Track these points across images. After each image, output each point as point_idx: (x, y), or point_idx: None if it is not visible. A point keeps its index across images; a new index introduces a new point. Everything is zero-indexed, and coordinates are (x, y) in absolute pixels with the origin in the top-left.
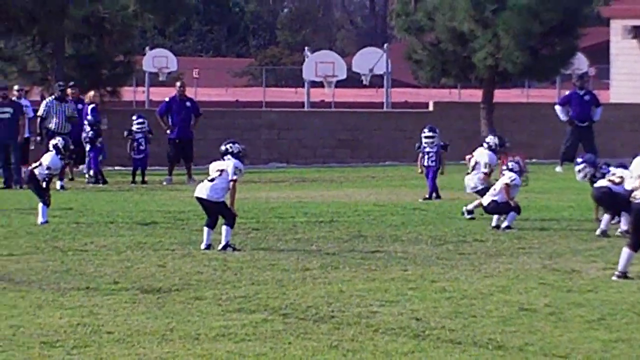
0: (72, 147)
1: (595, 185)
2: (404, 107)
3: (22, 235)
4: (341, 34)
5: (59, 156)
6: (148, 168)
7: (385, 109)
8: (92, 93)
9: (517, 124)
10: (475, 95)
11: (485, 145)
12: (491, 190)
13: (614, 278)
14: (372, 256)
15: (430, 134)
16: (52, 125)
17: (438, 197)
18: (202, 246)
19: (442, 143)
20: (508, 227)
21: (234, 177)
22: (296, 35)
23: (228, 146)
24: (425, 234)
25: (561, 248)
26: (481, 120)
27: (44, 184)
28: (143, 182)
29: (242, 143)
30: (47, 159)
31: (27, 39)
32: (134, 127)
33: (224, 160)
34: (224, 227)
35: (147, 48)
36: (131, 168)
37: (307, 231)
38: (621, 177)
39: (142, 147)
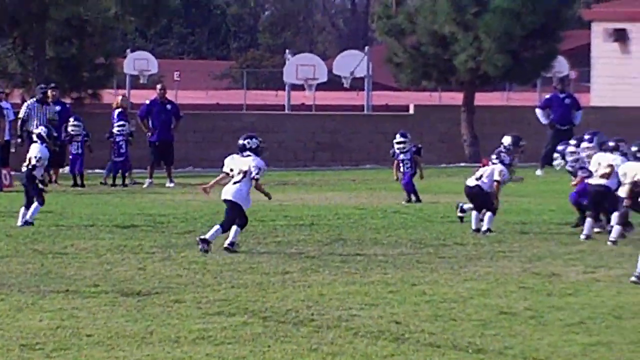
0: (55, 134)
1: (592, 182)
2: (384, 110)
3: (2, 238)
4: (322, 36)
5: (44, 144)
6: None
7: (365, 112)
8: (119, 98)
9: (497, 127)
10: (455, 98)
11: (502, 147)
12: (477, 174)
13: (631, 280)
14: (352, 259)
15: (402, 139)
16: (32, 128)
17: (418, 200)
18: (208, 235)
19: (414, 147)
20: (488, 229)
21: (257, 177)
22: (277, 38)
23: (246, 141)
24: (405, 238)
25: (541, 251)
26: (462, 123)
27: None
28: (123, 184)
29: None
30: (34, 150)
31: (7, 42)
32: (115, 130)
33: (243, 156)
34: (234, 227)
35: (128, 50)
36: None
37: (287, 234)
38: (611, 165)
39: (122, 150)
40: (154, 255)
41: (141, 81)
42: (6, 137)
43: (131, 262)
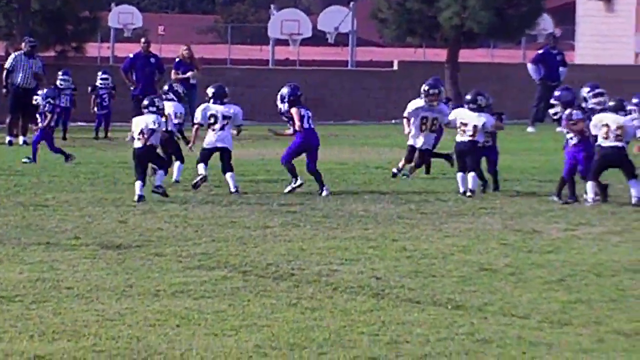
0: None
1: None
2: (369, 66)
3: None
4: None
5: (181, 102)
6: (111, 124)
7: (350, 68)
8: (183, 48)
9: (481, 84)
10: (440, 55)
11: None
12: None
13: None
14: (334, 214)
15: None
16: (18, 80)
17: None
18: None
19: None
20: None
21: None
22: None
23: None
24: (387, 193)
25: (523, 208)
26: (446, 80)
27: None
28: (106, 138)
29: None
30: (171, 107)
31: None
32: (98, 83)
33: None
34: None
35: (112, 4)
36: (94, 124)
37: (268, 189)
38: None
39: (105, 103)
40: (135, 209)
41: (125, 35)
42: None
43: (112, 215)
